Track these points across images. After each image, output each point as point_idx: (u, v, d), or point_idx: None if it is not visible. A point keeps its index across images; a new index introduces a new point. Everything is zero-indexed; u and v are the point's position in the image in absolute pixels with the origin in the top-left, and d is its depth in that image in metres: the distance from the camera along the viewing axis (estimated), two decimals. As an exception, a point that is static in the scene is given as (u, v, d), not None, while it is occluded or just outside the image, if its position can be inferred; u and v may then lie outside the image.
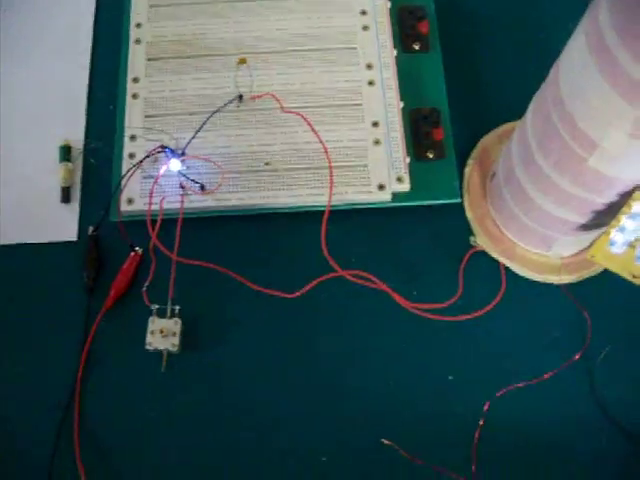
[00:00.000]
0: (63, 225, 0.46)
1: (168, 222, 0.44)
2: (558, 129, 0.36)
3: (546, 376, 0.43)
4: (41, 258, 0.46)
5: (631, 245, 0.38)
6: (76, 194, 0.47)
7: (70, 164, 0.47)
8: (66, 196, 0.47)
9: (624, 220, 0.37)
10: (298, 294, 0.43)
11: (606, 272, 0.44)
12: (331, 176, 0.44)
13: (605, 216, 0.38)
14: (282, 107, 0.46)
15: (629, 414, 0.43)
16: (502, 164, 0.43)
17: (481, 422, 0.42)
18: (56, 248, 0.46)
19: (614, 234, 0.38)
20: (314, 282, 0.43)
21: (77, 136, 0.48)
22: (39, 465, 0.41)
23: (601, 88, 0.31)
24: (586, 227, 0.40)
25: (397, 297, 0.43)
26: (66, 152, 0.47)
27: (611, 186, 0.36)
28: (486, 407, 0.42)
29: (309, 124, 0.45)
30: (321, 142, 0.45)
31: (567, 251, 0.45)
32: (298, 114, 0.46)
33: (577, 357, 0.43)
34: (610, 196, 0.37)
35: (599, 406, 0.43)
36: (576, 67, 0.33)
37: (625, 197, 0.36)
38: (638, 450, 0.42)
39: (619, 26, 0.29)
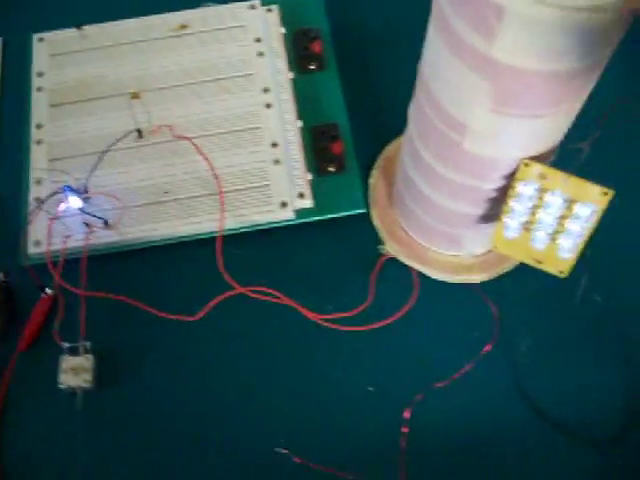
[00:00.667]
0: (-26, 275, 0.47)
1: (77, 260, 0.45)
2: (429, 115, 0.36)
3: (463, 371, 0.43)
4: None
5: (525, 228, 0.38)
6: (-14, 243, 0.48)
7: (-22, 214, 0.48)
8: (-24, 245, 0.47)
9: (512, 203, 0.37)
10: (201, 315, 0.43)
11: (520, 267, 0.44)
12: (222, 198, 0.45)
13: (500, 204, 0.38)
14: (174, 135, 0.47)
15: (554, 405, 0.42)
16: (399, 169, 0.44)
17: (405, 429, 0.42)
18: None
19: (506, 219, 0.38)
20: (214, 301, 0.43)
21: (-16, 185, 0.49)
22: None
23: (453, 64, 0.31)
24: (485, 219, 0.40)
25: (304, 310, 0.43)
26: (-26, 202, 0.48)
27: (493, 168, 0.36)
28: (407, 414, 0.42)
29: (199, 150, 0.46)
30: (210, 167, 0.46)
31: (479, 249, 0.45)
32: (189, 140, 0.46)
33: (487, 349, 0.43)
34: (496, 180, 0.37)
35: (524, 400, 0.42)
36: (431, 48, 0.34)
37: (510, 179, 0.36)
38: (565, 441, 0.42)
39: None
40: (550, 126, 0.34)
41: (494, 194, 0.38)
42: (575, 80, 0.31)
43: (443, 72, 0.33)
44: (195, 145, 0.46)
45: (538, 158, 0.35)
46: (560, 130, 0.35)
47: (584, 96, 0.33)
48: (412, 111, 0.39)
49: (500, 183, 0.37)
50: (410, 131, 0.40)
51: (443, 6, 0.30)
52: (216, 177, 0.46)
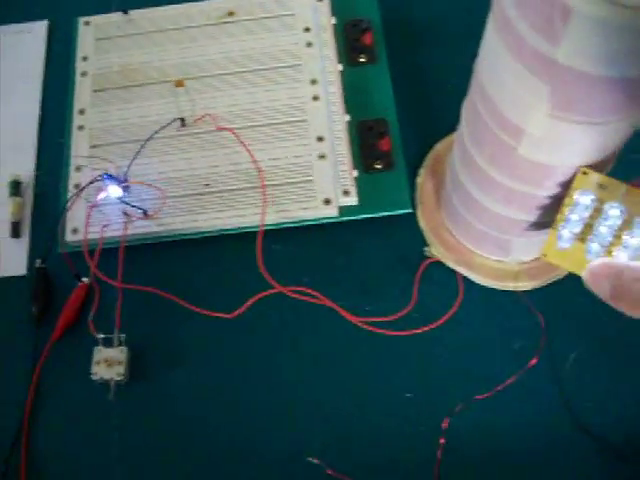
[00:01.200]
0: (13, 260, 0.46)
1: (114, 250, 0.44)
2: (485, 119, 0.34)
3: (506, 384, 0.41)
4: (-10, 294, 0.46)
5: (579, 239, 0.36)
6: (26, 228, 0.47)
7: (19, 198, 0.47)
8: (16, 231, 0.47)
9: (567, 212, 0.35)
10: (237, 313, 0.42)
11: (568, 276, 0.43)
12: (264, 193, 0.44)
13: (553, 212, 0.36)
14: (216, 126, 0.46)
15: (601, 423, 0.40)
16: (448, 171, 0.42)
17: (442, 440, 0.40)
18: (6, 283, 0.46)
19: (560, 229, 0.36)
20: (251, 300, 0.42)
21: (27, 170, 0.49)
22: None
23: (511, 66, 0.30)
24: (537, 226, 0.39)
25: (343, 312, 0.42)
26: (15, 187, 0.48)
27: (548, 175, 0.34)
28: (445, 424, 0.40)
29: (241, 142, 0.45)
30: (253, 159, 0.44)
31: (526, 255, 0.43)
32: (231, 131, 0.45)
33: (533, 362, 0.41)
34: (550, 187, 0.35)
35: (569, 415, 0.41)
36: (489, 49, 0.32)
37: (566, 187, 0.34)
38: (611, 459, 0.40)
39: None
40: (611, 134, 0.32)
41: (548, 201, 0.36)
42: (643, 87, 0.29)
43: (500, 73, 0.31)
44: (237, 136, 0.45)
45: (597, 166, 0.33)
46: (621, 138, 0.33)
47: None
48: (465, 111, 0.38)
49: (555, 190, 0.35)
50: (462, 132, 0.38)
51: (505, 5, 0.29)
52: (259, 170, 0.45)
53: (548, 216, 0.37)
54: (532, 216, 0.38)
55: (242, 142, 0.45)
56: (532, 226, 0.39)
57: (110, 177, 0.44)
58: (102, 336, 0.42)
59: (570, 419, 0.40)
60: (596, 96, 0.29)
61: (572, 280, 0.40)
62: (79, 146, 0.47)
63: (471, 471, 0.40)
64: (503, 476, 0.40)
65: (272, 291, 0.42)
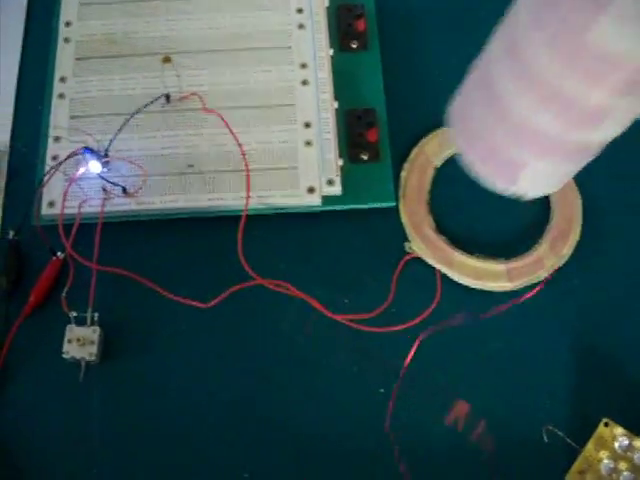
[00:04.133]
0: (-16, 230, 0.45)
1: (90, 226, 0.43)
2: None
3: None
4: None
5: None
6: (-1, 199, 0.46)
7: (-7, 167, 0.46)
8: (-12, 200, 0.45)
9: None
10: (213, 303, 0.41)
11: (553, 279, 0.43)
12: (248, 177, 0.43)
13: (593, 130, 0.33)
14: (203, 107, 0.44)
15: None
16: (475, 71, 0.37)
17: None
18: (-25, 253, 0.45)
19: None
20: (229, 291, 0.41)
21: (2, 138, 0.47)
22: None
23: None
24: (564, 149, 0.35)
25: (320, 307, 0.42)
26: (-11, 155, 0.46)
27: (613, 70, 0.29)
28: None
29: (226, 123, 0.44)
30: (237, 142, 0.44)
31: (532, 190, 0.40)
32: (217, 113, 0.44)
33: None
34: (606, 91, 0.30)
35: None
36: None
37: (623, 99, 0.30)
38: None
39: None
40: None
41: (592, 111, 0.31)
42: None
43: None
44: (222, 118, 0.44)
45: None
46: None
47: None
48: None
49: (608, 100, 0.30)
50: (519, 12, 0.32)
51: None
52: (243, 154, 0.44)
53: (582, 137, 0.33)
54: (564, 129, 0.33)
55: (227, 125, 0.44)
56: (557, 146, 0.35)
57: (90, 151, 0.43)
58: (75, 314, 0.41)
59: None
60: None
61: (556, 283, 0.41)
62: (58, 116, 0.46)
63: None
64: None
65: (251, 283, 0.41)
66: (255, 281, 0.41)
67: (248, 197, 0.43)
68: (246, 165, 0.43)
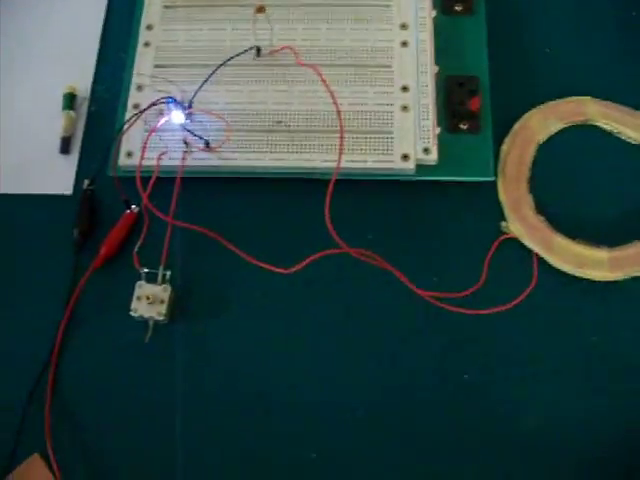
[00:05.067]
0: (60, 177, 0.43)
1: (168, 180, 0.41)
2: None
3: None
4: (33, 211, 0.43)
5: None
6: (77, 145, 0.44)
7: (73, 113, 0.44)
8: (66, 146, 0.44)
9: None
10: (294, 270, 0.38)
11: None
12: (341, 139, 0.40)
13: None
14: (298, 60, 0.42)
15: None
16: None
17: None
18: (50, 201, 0.43)
19: None
20: (312, 257, 0.38)
21: (84, 84, 0.45)
22: (5, 427, 0.38)
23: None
24: None
25: (407, 282, 0.38)
26: (70, 100, 0.44)
27: None
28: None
29: (323, 80, 0.41)
30: (334, 101, 0.41)
31: None
32: (313, 67, 0.42)
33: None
34: None
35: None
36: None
37: None
38: None
39: None
40: None
41: None
42: None
43: None
44: (320, 74, 0.41)
45: None
46: None
47: None
48: None
49: None
50: None
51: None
52: (339, 113, 0.41)
53: None
54: None
55: (324, 82, 0.41)
56: None
57: (174, 101, 0.41)
58: (146, 271, 0.39)
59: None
60: None
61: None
62: (143, 64, 0.44)
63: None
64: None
65: (337, 250, 0.39)
66: (341, 249, 0.38)
67: (340, 160, 0.40)
68: (340, 125, 0.41)
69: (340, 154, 0.40)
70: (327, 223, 0.38)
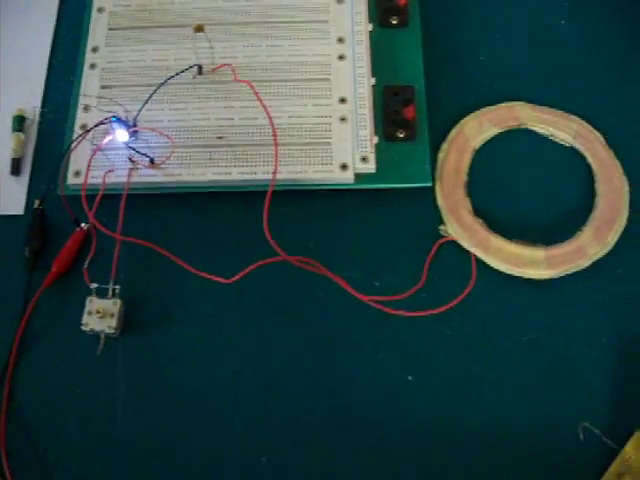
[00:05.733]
0: (11, 198, 0.44)
1: (115, 197, 0.42)
2: None
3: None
4: (-16, 231, 0.44)
5: None
6: (27, 166, 0.45)
7: (22, 135, 0.45)
8: (16, 168, 0.45)
9: None
10: (234, 279, 0.40)
11: (594, 266, 0.41)
12: (276, 150, 0.41)
13: None
14: (235, 77, 0.43)
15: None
16: None
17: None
18: (2, 221, 0.44)
19: None
20: (251, 267, 0.40)
21: (33, 106, 0.46)
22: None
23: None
24: None
25: (347, 287, 0.40)
26: (19, 122, 0.45)
27: None
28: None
29: (256, 94, 0.42)
30: (268, 114, 0.42)
31: None
32: (247, 83, 0.43)
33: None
34: None
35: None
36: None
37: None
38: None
39: None
40: None
41: None
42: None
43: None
44: (255, 90, 0.43)
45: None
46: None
47: None
48: None
49: None
50: None
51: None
52: (272, 125, 0.42)
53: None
54: None
55: (258, 96, 0.42)
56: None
57: (118, 120, 0.42)
58: (96, 286, 0.40)
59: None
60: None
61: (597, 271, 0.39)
62: (89, 85, 0.45)
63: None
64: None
65: (276, 259, 0.40)
66: (280, 257, 0.39)
67: (275, 172, 0.41)
68: (275, 138, 0.42)
69: (276, 165, 0.41)
70: (265, 232, 0.40)
